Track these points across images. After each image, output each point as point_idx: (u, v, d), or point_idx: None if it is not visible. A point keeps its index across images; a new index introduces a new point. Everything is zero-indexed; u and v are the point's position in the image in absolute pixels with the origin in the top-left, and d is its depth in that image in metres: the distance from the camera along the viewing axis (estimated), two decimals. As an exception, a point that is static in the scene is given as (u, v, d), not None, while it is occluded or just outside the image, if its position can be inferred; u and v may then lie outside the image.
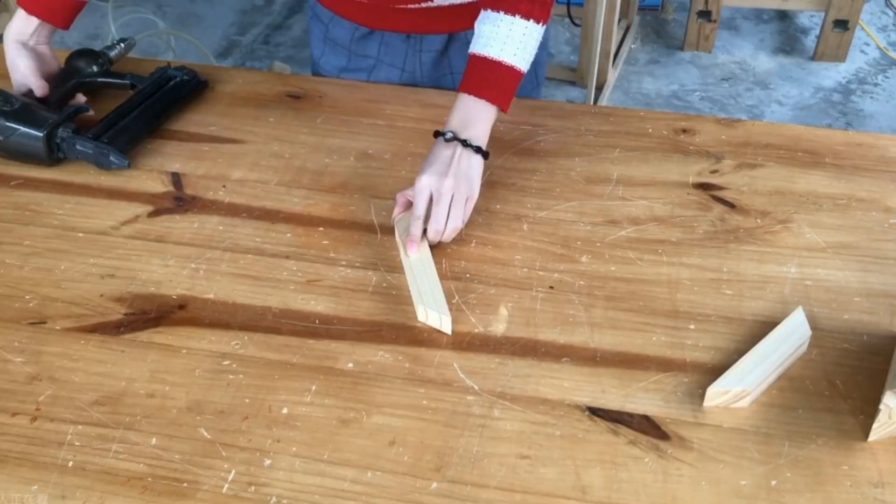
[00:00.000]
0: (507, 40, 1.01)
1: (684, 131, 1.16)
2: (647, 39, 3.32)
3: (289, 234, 0.99)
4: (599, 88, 2.86)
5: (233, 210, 1.02)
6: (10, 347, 0.84)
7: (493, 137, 1.05)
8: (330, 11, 1.26)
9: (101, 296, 0.90)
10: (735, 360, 0.82)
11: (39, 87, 1.12)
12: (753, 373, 0.80)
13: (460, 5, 1.17)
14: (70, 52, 1.20)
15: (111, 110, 1.12)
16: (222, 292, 0.91)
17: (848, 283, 0.93)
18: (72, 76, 1.17)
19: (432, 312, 0.86)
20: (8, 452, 0.75)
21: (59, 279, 0.92)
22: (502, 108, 1.03)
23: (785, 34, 3.35)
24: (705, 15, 3.13)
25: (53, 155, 1.06)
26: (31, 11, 1.12)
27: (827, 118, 2.89)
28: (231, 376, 0.82)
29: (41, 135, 1.03)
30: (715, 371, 0.82)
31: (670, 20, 3.44)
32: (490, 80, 1.01)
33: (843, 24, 3.07)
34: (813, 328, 0.85)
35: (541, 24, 1.03)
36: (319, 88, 1.24)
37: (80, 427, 0.77)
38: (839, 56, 3.16)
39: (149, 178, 1.07)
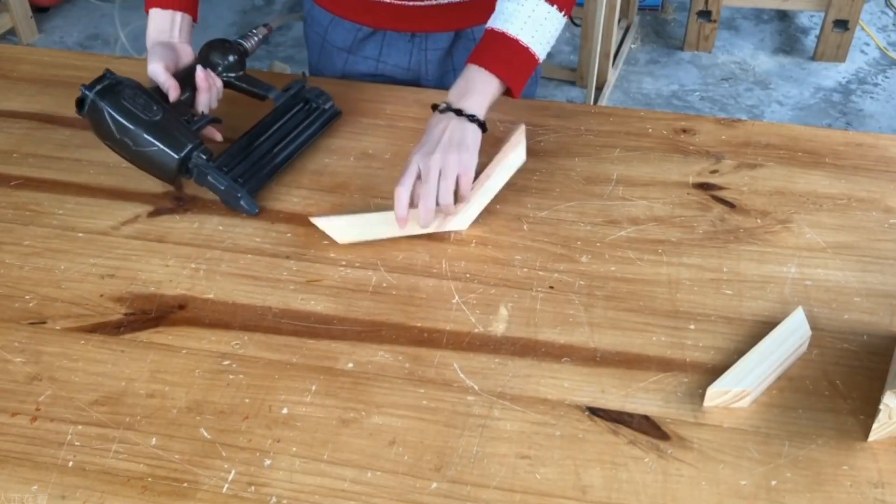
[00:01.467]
0: (528, 20, 0.99)
1: (684, 131, 1.16)
2: (647, 39, 3.32)
3: (289, 234, 0.99)
4: (599, 88, 2.86)
5: (233, 210, 1.02)
6: (10, 347, 0.84)
7: (493, 138, 1.05)
8: (329, 13, 1.25)
9: (101, 296, 0.90)
10: (735, 360, 0.82)
11: (173, 85, 1.03)
12: (753, 373, 0.80)
13: (468, 2, 1.17)
14: (203, 45, 1.12)
15: (244, 132, 1.07)
16: (222, 292, 0.91)
17: (848, 283, 0.93)
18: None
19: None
20: (8, 452, 0.75)
21: (59, 279, 0.92)
22: (511, 88, 1.00)
23: (785, 34, 3.35)
24: (705, 15, 3.14)
25: (182, 176, 1.01)
26: (165, 5, 1.07)
27: (827, 118, 2.90)
28: (231, 376, 0.82)
29: (177, 157, 0.98)
30: (715, 371, 0.82)
31: (670, 20, 3.44)
32: (503, 55, 0.99)
33: (843, 24, 3.07)
34: (813, 328, 0.85)
35: (563, 13, 1.02)
36: (320, 88, 1.24)
37: (80, 427, 0.77)
38: (839, 56, 3.16)
39: (149, 178, 1.07)
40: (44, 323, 0.87)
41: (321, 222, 0.97)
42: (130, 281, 0.92)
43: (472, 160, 0.95)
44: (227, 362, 0.83)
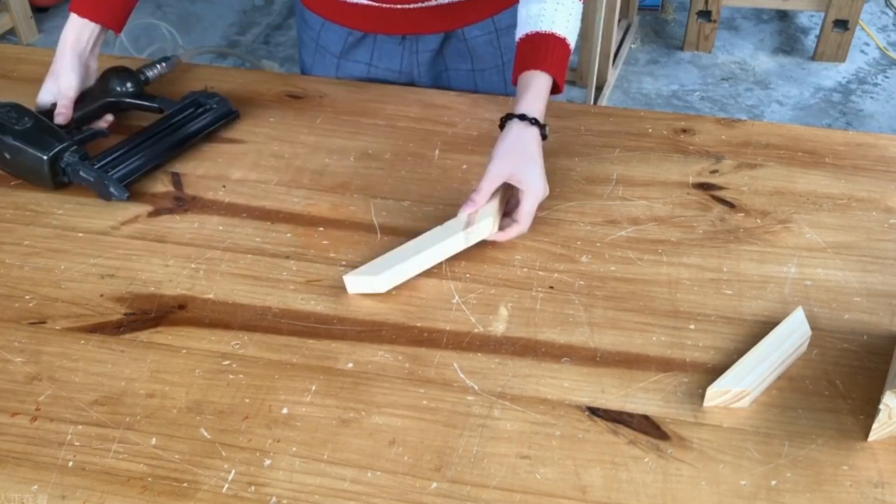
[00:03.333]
0: (556, 15, 1.02)
1: (684, 131, 1.16)
2: (647, 39, 3.32)
3: (289, 234, 0.99)
4: (599, 88, 2.86)
5: (233, 210, 1.02)
6: (10, 347, 0.84)
7: (494, 138, 1.05)
8: (321, 17, 1.25)
9: (101, 296, 0.90)
10: (735, 360, 0.82)
11: (64, 113, 1.08)
12: (753, 373, 0.80)
13: (458, 3, 1.17)
14: (106, 69, 1.17)
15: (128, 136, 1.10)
16: (222, 292, 0.91)
17: (848, 283, 0.93)
18: (103, 95, 1.15)
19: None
20: (8, 452, 0.75)
21: (59, 279, 0.92)
22: (557, 80, 1.02)
23: (785, 34, 3.35)
24: (705, 15, 3.14)
25: (58, 178, 1.03)
26: (86, 15, 1.08)
27: (827, 118, 2.90)
28: (231, 376, 0.82)
29: (45, 158, 1.01)
30: (715, 371, 0.82)
31: (670, 20, 3.44)
32: (543, 51, 1.01)
33: (843, 24, 3.07)
34: (813, 328, 0.85)
35: (582, 1, 1.05)
36: (319, 88, 1.24)
37: (80, 427, 0.77)
38: (839, 56, 3.16)
39: (149, 178, 1.07)
40: (44, 323, 0.87)
41: (355, 283, 0.91)
42: (130, 281, 0.92)
43: (525, 171, 0.96)
44: (227, 362, 0.83)
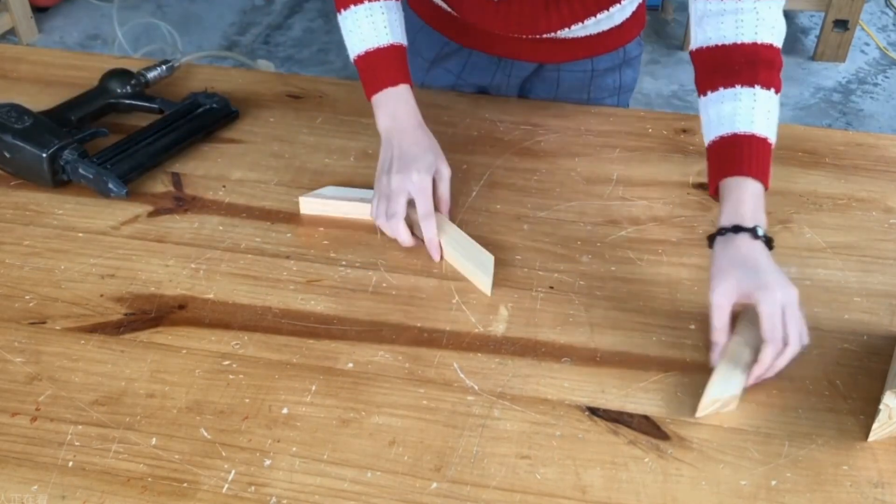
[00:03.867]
0: (753, 112, 0.88)
1: (684, 131, 1.16)
2: (647, 39, 3.32)
3: (289, 234, 0.99)
4: (599, 88, 2.85)
5: (233, 210, 1.02)
6: (10, 347, 0.84)
7: (494, 138, 1.05)
8: (422, 20, 1.22)
9: (101, 296, 0.90)
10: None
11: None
12: (731, 381, 0.79)
13: (562, 39, 1.13)
14: (106, 71, 1.18)
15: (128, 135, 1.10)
16: (222, 292, 0.91)
17: (848, 283, 0.93)
18: (103, 96, 1.16)
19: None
20: (8, 452, 0.75)
21: (59, 279, 0.92)
22: (763, 183, 0.86)
23: (785, 34, 3.35)
24: (705, 15, 3.13)
25: (57, 176, 1.04)
26: (403, 81, 1.00)
27: (827, 118, 2.90)
28: (231, 376, 0.82)
29: (44, 155, 1.02)
30: (715, 371, 0.82)
31: (670, 20, 3.44)
32: (744, 154, 0.87)
33: (843, 24, 3.07)
34: (813, 328, 0.85)
35: (779, 94, 0.92)
36: (319, 88, 1.24)
37: (80, 427, 0.77)
38: (839, 56, 3.16)
39: (149, 178, 1.07)
40: (44, 323, 0.87)
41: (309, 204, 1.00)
42: (130, 281, 0.92)
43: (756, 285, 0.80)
44: (227, 362, 0.83)
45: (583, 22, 1.06)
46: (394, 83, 0.99)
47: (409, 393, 0.80)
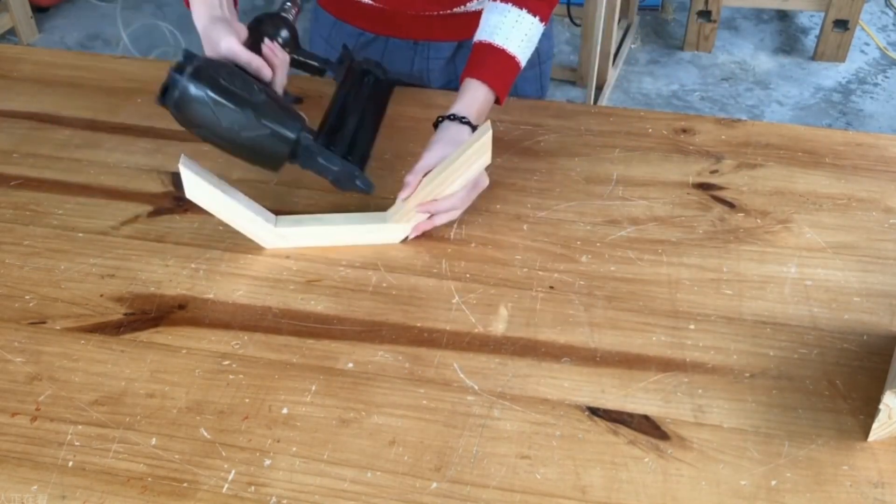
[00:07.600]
0: (512, 31, 1.03)
1: (684, 131, 1.16)
2: (647, 39, 3.32)
3: (289, 234, 0.99)
4: (599, 88, 2.86)
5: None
6: (10, 347, 0.84)
7: (493, 137, 1.04)
8: (332, 17, 1.25)
9: (101, 296, 0.90)
10: (735, 360, 0.82)
11: (264, 68, 0.91)
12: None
13: (471, 13, 1.16)
14: (254, 19, 1.02)
15: (326, 112, 0.98)
16: (222, 292, 0.91)
17: (848, 283, 0.93)
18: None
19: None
20: (8, 452, 0.75)
21: (59, 279, 0.92)
22: (498, 96, 1.03)
23: (785, 34, 3.35)
24: (705, 15, 3.14)
25: (290, 161, 0.89)
26: None
27: (827, 118, 2.90)
28: (231, 376, 0.82)
29: (293, 138, 0.86)
30: (715, 371, 0.82)
31: (670, 20, 3.44)
32: (490, 65, 1.02)
33: (843, 24, 3.07)
34: (813, 328, 0.85)
35: (544, 23, 1.05)
36: (319, 88, 1.24)
37: (79, 427, 0.77)
38: (839, 56, 3.16)
39: (149, 178, 1.07)
40: (44, 323, 0.87)
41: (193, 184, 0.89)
42: (130, 281, 0.92)
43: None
44: (227, 362, 0.83)
45: None
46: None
47: (409, 393, 0.80)
